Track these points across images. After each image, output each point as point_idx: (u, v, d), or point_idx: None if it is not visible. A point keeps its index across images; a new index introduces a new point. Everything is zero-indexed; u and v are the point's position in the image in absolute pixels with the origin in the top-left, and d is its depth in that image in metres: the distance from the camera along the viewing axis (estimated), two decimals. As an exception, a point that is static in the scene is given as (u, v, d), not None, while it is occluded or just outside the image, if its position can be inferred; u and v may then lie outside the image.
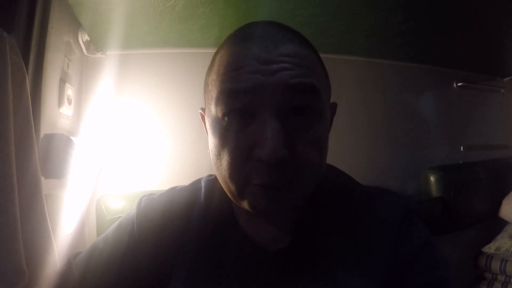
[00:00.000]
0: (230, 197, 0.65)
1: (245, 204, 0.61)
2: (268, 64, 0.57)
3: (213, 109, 0.62)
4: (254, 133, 0.57)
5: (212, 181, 0.80)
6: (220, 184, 0.67)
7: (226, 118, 0.59)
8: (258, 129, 0.56)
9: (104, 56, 1.62)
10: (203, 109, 0.72)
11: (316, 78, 0.60)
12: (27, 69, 0.92)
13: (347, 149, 1.93)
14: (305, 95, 0.58)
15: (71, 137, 1.16)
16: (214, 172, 0.65)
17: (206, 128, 0.68)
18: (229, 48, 0.62)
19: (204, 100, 0.70)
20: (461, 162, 2.33)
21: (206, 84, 0.67)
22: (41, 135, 1.05)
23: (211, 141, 0.64)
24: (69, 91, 1.31)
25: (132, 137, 1.65)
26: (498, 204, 2.30)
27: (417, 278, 0.65)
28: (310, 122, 0.59)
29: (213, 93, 0.61)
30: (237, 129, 0.58)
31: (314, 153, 0.59)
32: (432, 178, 2.05)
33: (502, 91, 2.62)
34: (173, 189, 0.84)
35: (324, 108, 0.62)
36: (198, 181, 0.84)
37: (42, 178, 1.00)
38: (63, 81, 1.25)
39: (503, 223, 2.27)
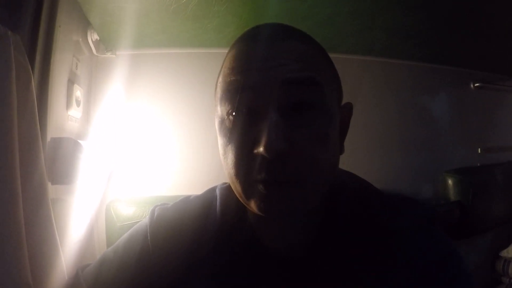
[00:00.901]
0: (239, 198, 0.65)
1: (252, 205, 0.60)
2: (267, 61, 0.58)
3: (219, 110, 0.63)
4: (256, 130, 0.57)
5: (227, 189, 0.79)
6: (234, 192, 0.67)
7: (230, 117, 0.60)
8: (260, 125, 0.57)
9: (114, 56, 1.60)
10: None
11: (317, 72, 0.60)
12: (33, 69, 0.91)
13: (363, 151, 1.92)
14: (304, 89, 0.58)
15: (79, 140, 1.14)
16: (224, 173, 0.65)
17: None
18: (232, 50, 0.64)
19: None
20: (478, 164, 2.30)
21: (215, 88, 0.68)
22: (48, 139, 1.03)
23: (219, 141, 0.65)
24: (78, 92, 1.29)
25: (143, 140, 1.64)
26: (517, 207, 2.26)
27: None
28: (312, 117, 0.58)
29: (219, 94, 0.63)
30: (240, 127, 0.59)
31: (318, 149, 0.58)
32: (449, 181, 2.05)
33: (520, 91, 2.56)
34: (187, 198, 0.83)
35: (330, 104, 0.62)
36: (212, 190, 0.83)
37: (49, 183, 0.98)
38: (71, 82, 1.24)
39: (521, 227, 2.25)
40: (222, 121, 0.62)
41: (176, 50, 1.66)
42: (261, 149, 0.54)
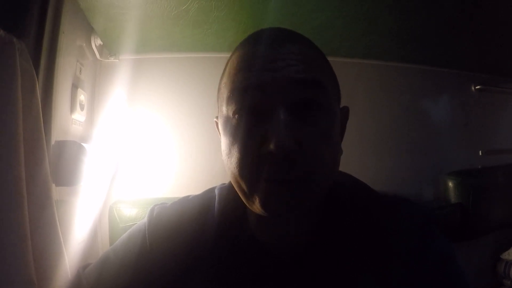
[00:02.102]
0: (242, 198, 0.65)
1: (256, 204, 0.60)
2: (274, 61, 0.59)
3: (224, 110, 0.63)
4: (263, 129, 0.57)
5: (226, 189, 0.79)
6: (233, 192, 0.67)
7: (236, 116, 0.61)
8: (267, 124, 0.57)
9: (117, 60, 1.61)
10: (218, 117, 0.72)
11: (322, 74, 0.62)
12: (38, 74, 0.92)
13: (365, 153, 1.91)
14: (311, 89, 0.59)
15: (83, 143, 1.15)
16: (227, 173, 0.65)
17: (220, 136, 0.69)
18: (238, 52, 0.65)
19: (217, 106, 0.70)
20: (480, 167, 2.27)
21: (219, 89, 0.69)
22: (53, 141, 1.04)
23: (223, 142, 0.65)
24: (82, 96, 1.30)
25: (146, 143, 1.64)
26: (518, 209, 2.24)
27: None
28: (318, 117, 0.60)
29: (225, 94, 0.63)
30: (247, 126, 0.60)
31: (324, 148, 0.59)
32: (450, 184, 2.02)
33: (522, 93, 2.55)
34: (186, 198, 0.83)
35: (333, 104, 0.63)
36: (211, 190, 0.83)
37: (53, 185, 0.99)
38: (75, 86, 1.25)
39: (523, 229, 2.22)
40: (227, 120, 0.63)
41: (177, 54, 1.67)
42: (271, 146, 0.54)
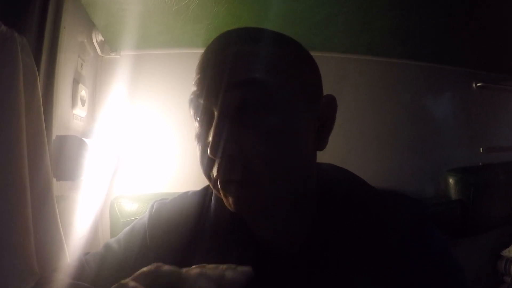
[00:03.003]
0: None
1: (225, 202, 0.63)
2: (215, 67, 0.60)
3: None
4: (209, 134, 0.59)
5: None
6: None
7: (196, 123, 0.64)
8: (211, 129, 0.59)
9: (118, 56, 1.62)
10: None
11: (264, 72, 0.60)
12: (39, 69, 0.92)
13: (365, 150, 1.91)
14: (244, 90, 0.59)
15: (84, 138, 1.16)
16: None
17: None
18: (198, 61, 0.66)
19: None
20: (480, 164, 2.27)
21: None
22: (54, 136, 1.05)
23: None
24: (83, 92, 1.30)
25: (147, 138, 1.65)
26: (518, 206, 2.24)
27: (434, 287, 0.64)
28: (259, 116, 0.59)
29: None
30: (200, 132, 0.63)
31: (269, 148, 0.58)
32: (451, 180, 2.02)
33: (523, 91, 2.54)
34: (185, 193, 0.84)
35: (284, 103, 0.60)
36: (209, 186, 0.83)
37: (54, 180, 1.00)
38: (76, 82, 1.25)
39: (523, 226, 2.22)
40: (195, 127, 0.66)
41: (178, 50, 1.67)
42: (208, 151, 0.57)
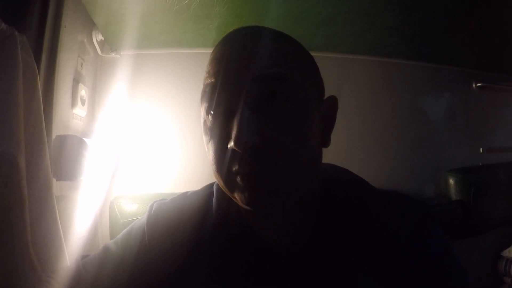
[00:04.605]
0: (227, 193, 0.66)
1: (237, 198, 0.62)
2: (236, 61, 0.61)
3: (202, 112, 0.66)
4: (230, 126, 0.59)
5: None
6: None
7: (209, 116, 0.63)
8: (233, 122, 0.58)
9: (118, 56, 1.61)
10: None
11: (288, 69, 0.62)
12: (39, 68, 0.92)
13: (366, 150, 1.91)
14: (273, 83, 0.60)
15: (84, 138, 1.15)
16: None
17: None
18: (211, 55, 0.67)
19: None
20: (480, 164, 2.27)
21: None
22: (53, 136, 1.04)
23: (204, 141, 0.67)
24: (83, 91, 1.30)
25: (146, 138, 1.64)
26: (519, 207, 2.24)
27: (434, 287, 0.64)
28: (284, 109, 0.60)
29: (200, 96, 0.66)
30: (218, 125, 0.62)
31: (292, 140, 0.60)
32: (451, 181, 2.01)
33: (523, 91, 2.54)
34: (184, 194, 0.84)
35: (303, 99, 0.63)
36: (209, 186, 0.84)
37: (54, 180, 0.99)
38: (76, 81, 1.25)
39: (523, 227, 2.22)
40: (204, 121, 0.65)
41: (179, 50, 1.67)
42: (231, 142, 0.56)
